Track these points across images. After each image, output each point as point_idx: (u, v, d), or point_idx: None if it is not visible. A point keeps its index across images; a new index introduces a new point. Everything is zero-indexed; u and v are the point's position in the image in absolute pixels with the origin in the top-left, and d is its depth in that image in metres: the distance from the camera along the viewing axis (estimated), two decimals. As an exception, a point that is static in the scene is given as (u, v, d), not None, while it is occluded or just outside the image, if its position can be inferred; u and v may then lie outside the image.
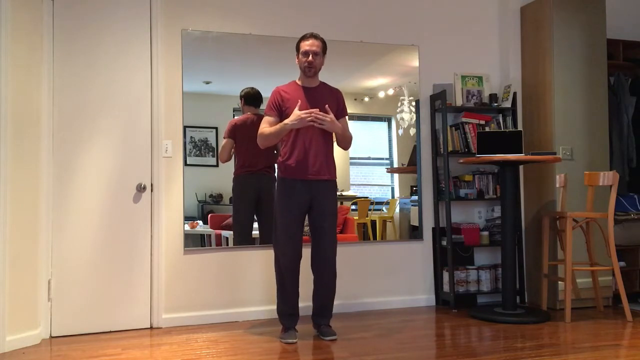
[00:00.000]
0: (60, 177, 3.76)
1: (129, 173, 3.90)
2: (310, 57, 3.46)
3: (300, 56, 3.51)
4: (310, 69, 3.48)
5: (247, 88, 4.25)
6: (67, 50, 3.81)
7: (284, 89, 3.54)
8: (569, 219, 3.94)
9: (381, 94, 4.63)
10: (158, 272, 3.94)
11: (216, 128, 4.21)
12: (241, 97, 4.24)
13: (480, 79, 4.78)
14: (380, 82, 4.62)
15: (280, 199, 3.50)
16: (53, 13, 3.78)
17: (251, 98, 4.25)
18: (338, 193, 4.35)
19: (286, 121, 3.38)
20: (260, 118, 3.62)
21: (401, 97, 4.66)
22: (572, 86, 4.50)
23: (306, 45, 3.48)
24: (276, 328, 3.72)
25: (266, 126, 3.45)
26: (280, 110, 3.47)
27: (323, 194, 3.49)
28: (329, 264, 3.51)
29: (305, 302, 3.66)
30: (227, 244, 4.16)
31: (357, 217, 4.51)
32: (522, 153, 4.11)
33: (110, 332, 3.80)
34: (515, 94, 4.67)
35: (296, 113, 3.34)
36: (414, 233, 4.63)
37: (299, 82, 3.57)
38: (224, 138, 4.18)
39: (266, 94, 4.24)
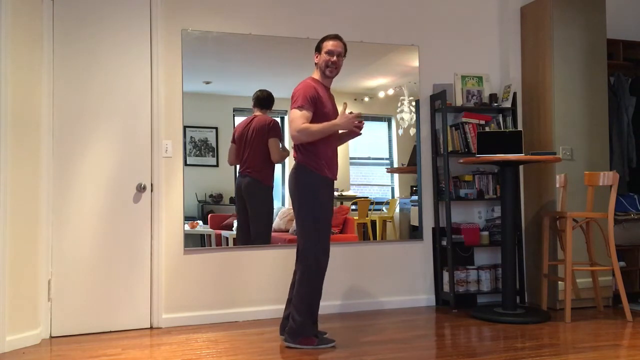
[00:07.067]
0: (60, 177, 3.76)
1: (129, 173, 3.90)
2: (335, 57, 3.36)
3: (323, 55, 3.37)
4: (333, 70, 3.38)
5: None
6: (67, 50, 3.80)
7: (315, 84, 3.36)
8: (569, 219, 3.94)
9: (381, 94, 4.63)
10: (158, 272, 3.93)
11: (216, 128, 4.21)
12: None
13: (480, 79, 4.78)
14: (380, 82, 4.62)
15: (320, 196, 3.32)
16: (53, 13, 3.78)
17: (257, 101, 4.28)
18: (337, 193, 4.39)
19: (337, 122, 3.28)
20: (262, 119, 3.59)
21: (401, 97, 4.66)
22: (572, 86, 4.49)
23: (330, 45, 3.36)
24: (275, 328, 3.71)
25: (304, 122, 3.24)
26: (316, 107, 3.29)
27: (333, 195, 3.51)
28: None
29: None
30: (227, 244, 4.16)
31: (357, 217, 4.50)
32: (522, 153, 4.11)
33: (110, 332, 3.80)
34: (515, 94, 4.66)
35: (347, 116, 3.27)
36: (414, 233, 4.63)
37: (320, 81, 3.41)
38: (277, 138, 4.24)
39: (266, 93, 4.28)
